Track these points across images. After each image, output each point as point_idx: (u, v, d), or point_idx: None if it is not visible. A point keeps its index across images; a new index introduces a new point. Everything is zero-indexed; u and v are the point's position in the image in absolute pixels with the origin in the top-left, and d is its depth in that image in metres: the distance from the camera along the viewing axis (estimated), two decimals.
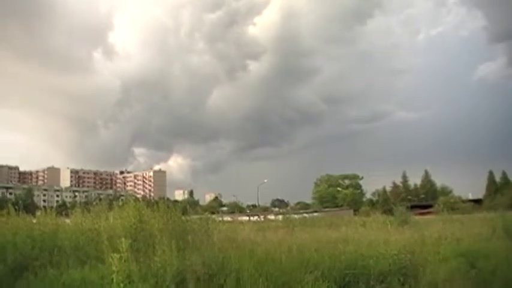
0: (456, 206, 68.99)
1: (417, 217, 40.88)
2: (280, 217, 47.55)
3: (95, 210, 15.72)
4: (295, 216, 44.45)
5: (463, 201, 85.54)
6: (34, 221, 14.90)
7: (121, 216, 13.08)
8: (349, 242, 14.79)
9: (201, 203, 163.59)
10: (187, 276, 9.59)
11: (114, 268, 8.56)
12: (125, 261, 8.78)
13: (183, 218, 13.95)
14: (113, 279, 8.61)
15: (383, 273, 11.12)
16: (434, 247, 15.12)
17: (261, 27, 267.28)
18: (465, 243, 15.93)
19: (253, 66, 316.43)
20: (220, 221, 19.31)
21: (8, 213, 14.22)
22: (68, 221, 15.79)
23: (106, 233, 11.63)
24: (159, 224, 12.01)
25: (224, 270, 10.01)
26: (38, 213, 16.27)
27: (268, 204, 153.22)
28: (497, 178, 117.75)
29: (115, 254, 8.66)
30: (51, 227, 13.38)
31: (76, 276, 9.93)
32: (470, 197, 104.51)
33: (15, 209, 14.76)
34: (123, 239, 9.07)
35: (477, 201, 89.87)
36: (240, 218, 45.82)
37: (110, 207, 17.04)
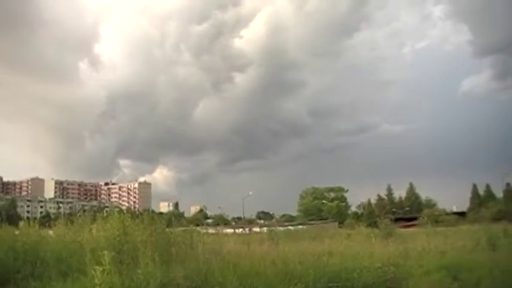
0: (440, 218, 69.26)
1: (402, 230, 41.05)
2: (265, 229, 47.52)
3: (79, 222, 15.62)
4: (280, 228, 44.45)
5: (447, 214, 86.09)
6: (17, 232, 14.81)
7: (104, 228, 13.02)
8: (333, 254, 14.80)
9: (186, 215, 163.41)
10: None
11: (96, 281, 8.50)
12: (107, 274, 8.71)
13: (167, 230, 13.93)
14: None
15: (367, 286, 11.18)
16: (418, 260, 15.20)
17: (247, 40, 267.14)
18: (448, 256, 16.01)
19: (239, 78, 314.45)
20: (204, 233, 19.24)
21: None
22: (51, 232, 15.69)
23: (89, 245, 11.56)
24: (143, 236, 11.96)
25: (208, 283, 10.00)
26: (21, 224, 16.13)
27: (253, 217, 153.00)
28: (481, 191, 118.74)
29: (97, 267, 8.60)
30: (34, 239, 13.29)
31: None
32: (455, 209, 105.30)
33: None
34: (105, 252, 9.01)
35: (461, 214, 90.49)
36: (224, 231, 45.67)
37: (94, 219, 16.96)
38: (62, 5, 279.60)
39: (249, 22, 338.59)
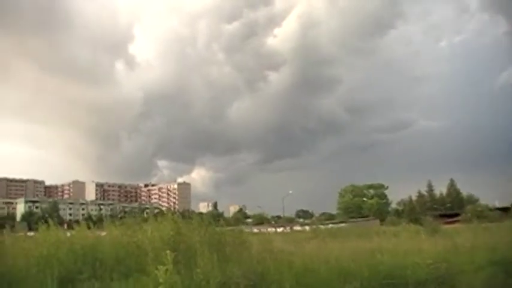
0: (484, 214, 68.08)
1: (445, 226, 40.68)
2: (307, 228, 47.56)
3: (128, 223, 15.95)
4: (322, 227, 44.42)
5: (490, 210, 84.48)
6: (68, 234, 15.17)
7: (159, 229, 13.29)
8: (383, 252, 14.82)
9: (225, 215, 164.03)
10: None
11: (160, 280, 8.74)
12: (169, 273, 8.95)
13: (217, 229, 14.18)
14: None
15: (420, 282, 11.18)
16: (468, 256, 15.12)
17: (281, 39, 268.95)
18: (499, 252, 15.85)
19: (273, 77, 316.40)
20: (249, 232, 19.48)
21: (48, 227, 14.42)
22: (103, 234, 16.00)
23: (147, 245, 11.84)
24: (198, 236, 12.21)
25: (265, 281, 10.16)
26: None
27: (292, 215, 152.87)
28: None
29: (161, 266, 8.84)
30: (91, 241, 13.61)
31: None
32: (497, 205, 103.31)
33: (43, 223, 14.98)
34: (168, 252, 9.25)
35: (504, 210, 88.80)
36: (266, 230, 45.88)
37: (144, 220, 17.28)
38: (95, 7, 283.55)
39: (282, 21, 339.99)
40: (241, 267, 10.64)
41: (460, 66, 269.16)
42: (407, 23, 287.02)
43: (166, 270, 8.84)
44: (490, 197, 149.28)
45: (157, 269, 8.95)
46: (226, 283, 9.81)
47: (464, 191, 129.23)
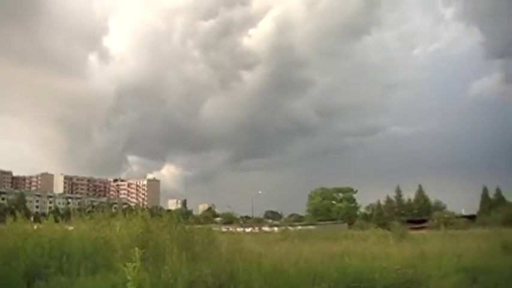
0: (450, 221, 69.07)
1: (412, 232, 41.12)
2: (275, 229, 47.75)
3: (96, 217, 15.83)
4: (290, 228, 44.65)
5: (457, 217, 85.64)
6: (35, 227, 14.99)
7: (128, 226, 13.21)
8: (352, 255, 14.92)
9: (194, 212, 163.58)
10: (197, 286, 9.72)
11: (129, 277, 8.65)
12: (137, 270, 8.87)
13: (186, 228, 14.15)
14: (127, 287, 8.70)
15: (387, 287, 11.27)
16: (436, 262, 15.31)
17: (256, 39, 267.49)
18: (466, 259, 16.08)
19: (247, 76, 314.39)
20: (218, 231, 19.48)
21: (15, 219, 14.24)
22: (70, 228, 15.83)
23: (116, 242, 11.76)
24: (167, 234, 12.16)
25: (233, 281, 10.13)
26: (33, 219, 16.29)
27: (261, 216, 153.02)
28: (491, 195, 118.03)
29: (129, 264, 8.76)
30: (59, 235, 13.45)
31: (88, 285, 10.04)
32: (463, 212, 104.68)
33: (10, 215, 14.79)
34: (136, 249, 9.16)
35: (470, 217, 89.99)
36: (235, 229, 45.96)
37: (112, 215, 17.15)
38: None
39: (258, 21, 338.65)
40: (209, 266, 10.61)
41: (433, 75, 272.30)
42: (383, 30, 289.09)
43: (135, 267, 8.75)
44: (456, 204, 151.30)
45: (125, 265, 8.86)
46: (195, 282, 9.77)
47: (432, 197, 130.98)
